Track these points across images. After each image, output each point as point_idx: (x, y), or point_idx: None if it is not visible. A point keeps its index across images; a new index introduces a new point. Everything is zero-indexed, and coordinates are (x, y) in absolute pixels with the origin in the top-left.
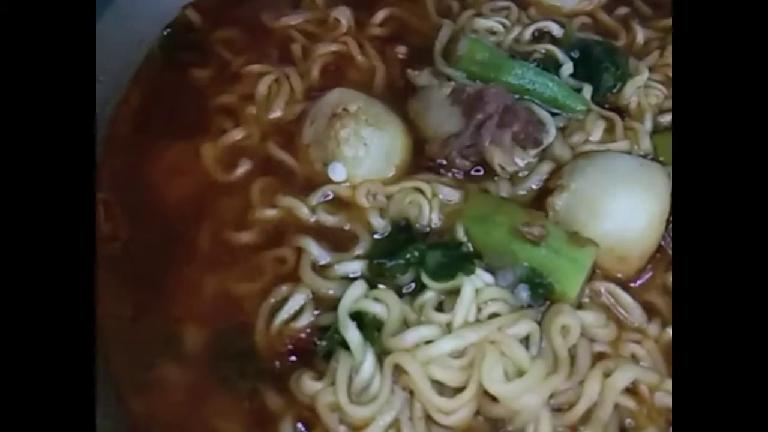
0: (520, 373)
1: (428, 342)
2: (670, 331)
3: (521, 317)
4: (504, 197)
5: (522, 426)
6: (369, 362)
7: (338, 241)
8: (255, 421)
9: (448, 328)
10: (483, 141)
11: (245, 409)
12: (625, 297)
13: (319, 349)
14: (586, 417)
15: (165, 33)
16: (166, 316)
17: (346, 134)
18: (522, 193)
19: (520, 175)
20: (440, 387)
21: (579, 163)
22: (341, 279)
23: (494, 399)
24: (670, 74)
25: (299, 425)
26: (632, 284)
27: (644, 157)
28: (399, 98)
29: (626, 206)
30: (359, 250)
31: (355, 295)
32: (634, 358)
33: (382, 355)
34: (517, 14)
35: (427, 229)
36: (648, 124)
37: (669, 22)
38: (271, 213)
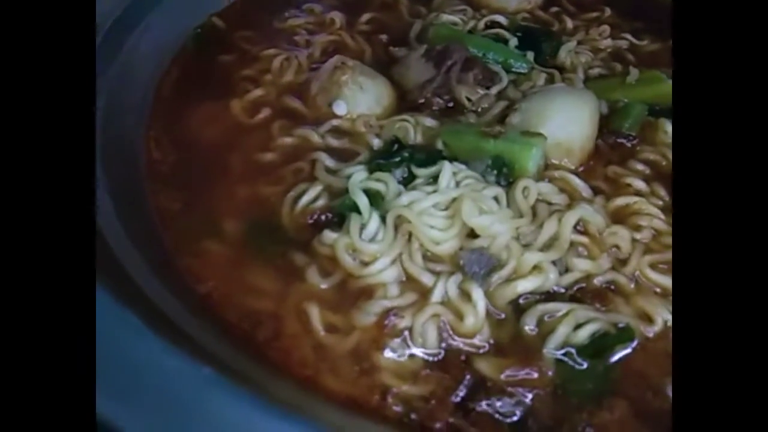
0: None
1: None
2: (615, 201)
3: (490, 185)
4: (472, 123)
5: (498, 251)
6: (374, 219)
7: (343, 155)
8: (284, 274)
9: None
10: (451, 81)
11: (276, 266)
12: (574, 178)
13: (335, 208)
14: (549, 245)
15: (197, 31)
16: (208, 211)
17: (346, 78)
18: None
19: (485, 106)
20: None
21: (528, 95)
22: (348, 177)
23: (474, 236)
24: (597, 45)
25: None
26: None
27: None
28: (384, 68)
29: (565, 111)
30: (361, 158)
31: (361, 176)
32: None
33: (384, 216)
34: (472, 13)
35: (412, 144)
36: (581, 74)
37: (591, 15)
38: (288, 140)
